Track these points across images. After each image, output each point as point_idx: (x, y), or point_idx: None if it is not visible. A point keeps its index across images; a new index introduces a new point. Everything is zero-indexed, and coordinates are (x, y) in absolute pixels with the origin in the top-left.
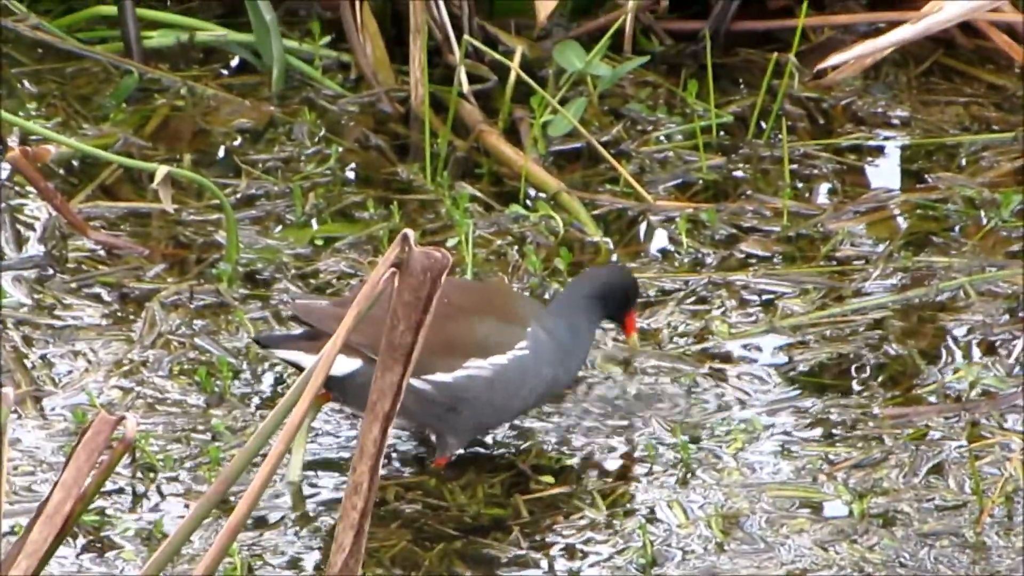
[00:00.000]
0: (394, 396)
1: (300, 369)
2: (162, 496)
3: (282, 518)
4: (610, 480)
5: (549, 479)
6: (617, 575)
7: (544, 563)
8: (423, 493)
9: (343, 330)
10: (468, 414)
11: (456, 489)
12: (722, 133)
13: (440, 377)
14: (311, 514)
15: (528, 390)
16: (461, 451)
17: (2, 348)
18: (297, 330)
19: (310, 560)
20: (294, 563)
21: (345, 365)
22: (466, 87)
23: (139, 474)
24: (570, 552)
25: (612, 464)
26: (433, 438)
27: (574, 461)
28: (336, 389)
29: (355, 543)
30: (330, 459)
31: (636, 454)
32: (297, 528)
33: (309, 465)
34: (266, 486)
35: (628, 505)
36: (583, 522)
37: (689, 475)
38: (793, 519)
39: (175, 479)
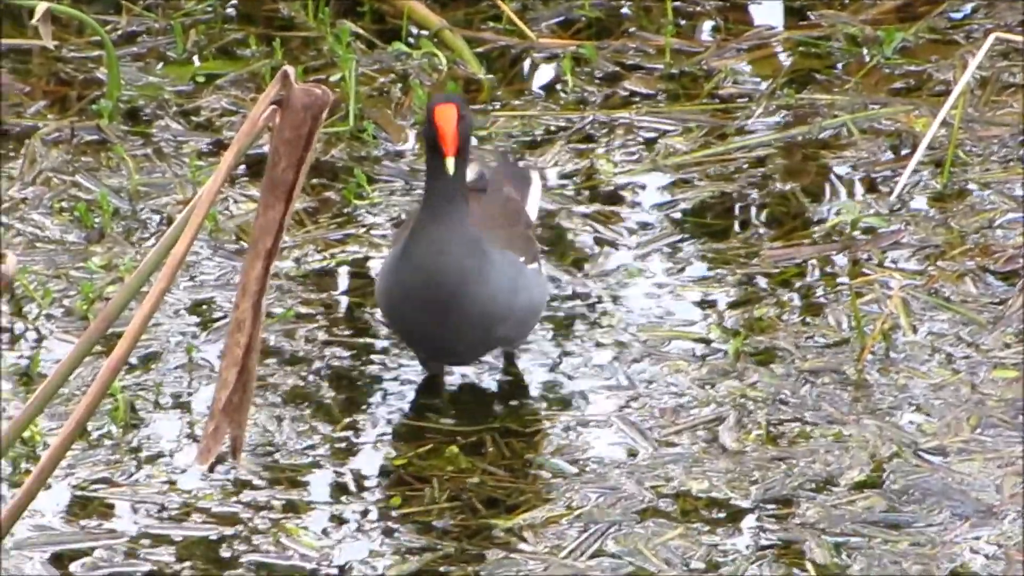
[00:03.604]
0: (276, 233)
1: None
2: (41, 335)
3: (164, 355)
4: None
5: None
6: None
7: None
8: None
9: (225, 165)
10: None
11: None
12: None
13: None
14: (195, 355)
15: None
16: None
17: None
18: None
19: (195, 400)
20: (177, 402)
21: None
22: None
23: (19, 311)
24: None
25: None
26: None
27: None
28: None
29: (239, 379)
30: (218, 301)
31: None
32: (182, 367)
33: (195, 306)
34: (147, 324)
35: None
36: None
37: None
38: (670, 359)
39: (54, 317)
